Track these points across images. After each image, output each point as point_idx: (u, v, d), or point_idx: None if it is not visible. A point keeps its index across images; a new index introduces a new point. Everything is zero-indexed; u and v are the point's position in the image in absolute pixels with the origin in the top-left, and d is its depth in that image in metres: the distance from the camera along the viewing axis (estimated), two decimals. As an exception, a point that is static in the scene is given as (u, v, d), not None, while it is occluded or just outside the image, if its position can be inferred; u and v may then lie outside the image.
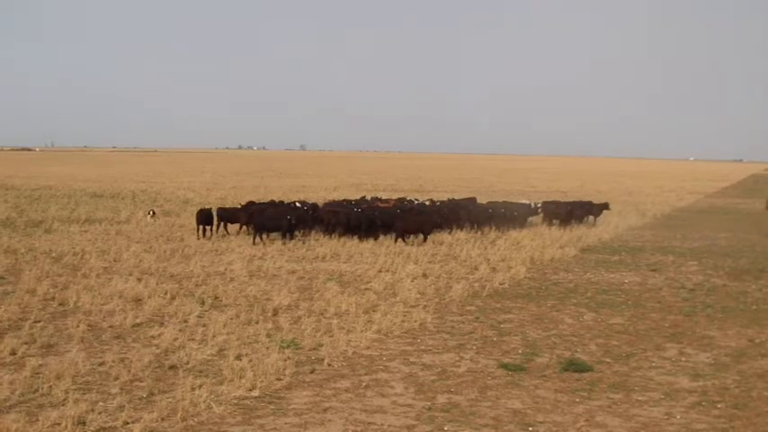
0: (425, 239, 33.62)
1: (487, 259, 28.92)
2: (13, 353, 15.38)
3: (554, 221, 41.99)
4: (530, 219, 42.27)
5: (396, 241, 33.20)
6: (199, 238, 33.97)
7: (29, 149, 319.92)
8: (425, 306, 20.46)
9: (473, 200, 47.12)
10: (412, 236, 33.99)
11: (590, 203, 46.34)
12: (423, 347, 16.65)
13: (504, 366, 15.30)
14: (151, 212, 42.59)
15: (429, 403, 13.10)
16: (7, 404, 12.52)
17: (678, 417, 12.74)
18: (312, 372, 14.71)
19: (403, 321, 18.70)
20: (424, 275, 25.06)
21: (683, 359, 16.20)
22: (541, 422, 12.33)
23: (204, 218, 35.17)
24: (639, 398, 13.65)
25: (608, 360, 15.97)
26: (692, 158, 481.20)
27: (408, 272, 25.34)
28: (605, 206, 45.21)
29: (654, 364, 15.74)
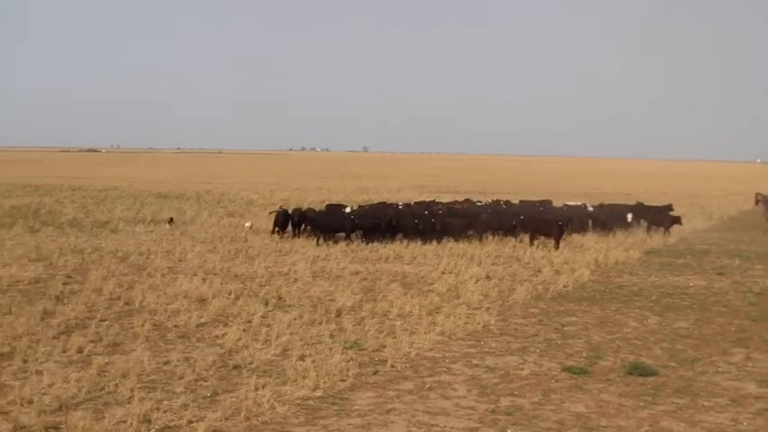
0: (557, 245, 32.83)
1: (551, 262, 28.71)
2: (80, 351, 15.69)
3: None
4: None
5: (531, 244, 33.03)
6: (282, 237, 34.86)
7: (95, 150, 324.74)
8: (488, 308, 20.38)
9: (548, 202, 46.61)
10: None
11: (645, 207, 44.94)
12: (486, 350, 16.59)
13: (568, 369, 15.17)
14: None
15: (492, 406, 13.04)
16: (74, 401, 12.76)
17: (745, 423, 12.52)
18: (375, 373, 14.75)
19: (466, 323, 18.65)
20: (488, 277, 24.96)
21: (750, 364, 15.91)
22: (605, 426, 12.21)
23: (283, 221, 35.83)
24: (705, 403, 13.44)
25: (673, 364, 15.74)
26: (758, 160, 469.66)
27: (471, 274, 25.24)
28: (669, 209, 44.05)
29: (720, 369, 15.48)
